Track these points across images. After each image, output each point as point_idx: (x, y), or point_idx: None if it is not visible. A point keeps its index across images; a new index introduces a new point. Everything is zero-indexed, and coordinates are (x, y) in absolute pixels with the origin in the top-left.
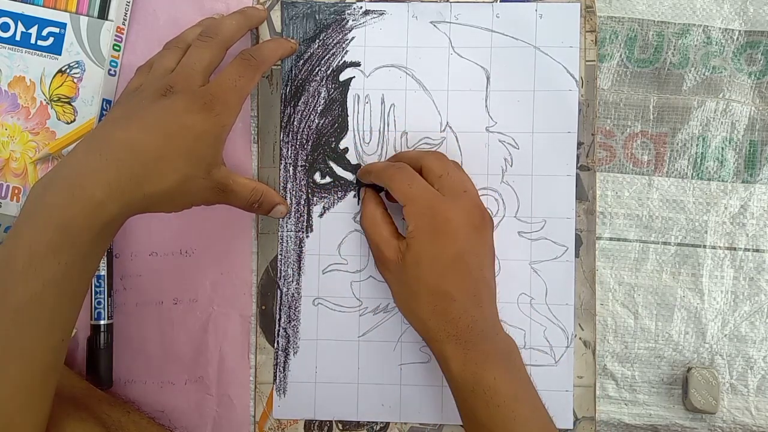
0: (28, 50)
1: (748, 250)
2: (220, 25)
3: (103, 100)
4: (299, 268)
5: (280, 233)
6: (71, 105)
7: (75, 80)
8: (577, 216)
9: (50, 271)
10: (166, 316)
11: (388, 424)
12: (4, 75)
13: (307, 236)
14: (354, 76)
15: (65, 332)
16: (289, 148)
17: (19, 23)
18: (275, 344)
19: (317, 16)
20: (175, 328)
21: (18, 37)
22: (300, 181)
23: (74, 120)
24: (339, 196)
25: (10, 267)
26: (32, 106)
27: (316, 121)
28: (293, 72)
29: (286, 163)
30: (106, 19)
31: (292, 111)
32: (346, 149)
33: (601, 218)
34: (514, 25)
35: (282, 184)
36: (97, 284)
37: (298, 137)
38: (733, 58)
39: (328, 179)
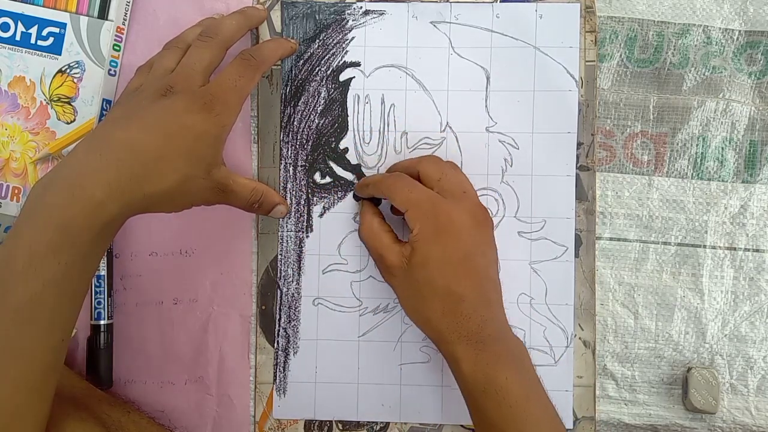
0: (28, 50)
1: (748, 250)
2: (220, 25)
3: (103, 100)
4: (299, 268)
5: (280, 233)
6: (71, 105)
7: (75, 80)
8: (577, 216)
9: (50, 271)
10: (166, 316)
11: (388, 424)
12: (4, 75)
13: (307, 236)
14: (354, 76)
15: (65, 332)
16: (289, 148)
17: (19, 23)
18: (275, 344)
19: (317, 16)
20: (175, 328)
21: (18, 37)
22: (300, 181)
23: (74, 120)
24: (339, 196)
25: (10, 267)
26: (32, 106)
27: (316, 121)
28: (293, 72)
29: (286, 163)
30: (106, 19)
31: (292, 111)
32: (346, 149)
33: (601, 218)
34: (514, 25)
35: (282, 184)
36: (97, 284)
37: (298, 137)
38: (733, 58)
39: (328, 179)
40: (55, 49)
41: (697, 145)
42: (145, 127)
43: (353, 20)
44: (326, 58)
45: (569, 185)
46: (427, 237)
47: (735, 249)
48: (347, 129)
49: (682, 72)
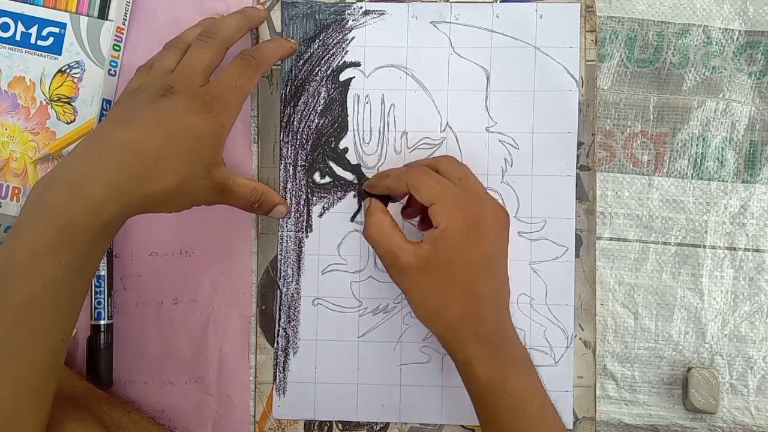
0: (28, 50)
1: (748, 250)
2: (220, 25)
3: (103, 100)
4: (299, 268)
5: (280, 233)
6: (71, 105)
7: (75, 80)
8: (577, 216)
9: (50, 271)
10: (166, 316)
11: (388, 424)
12: (4, 75)
13: (307, 236)
14: (354, 76)
15: (65, 332)
16: (289, 148)
17: (19, 23)
18: (275, 344)
19: (317, 16)
20: (175, 328)
21: (18, 37)
22: (300, 181)
23: (74, 120)
24: (339, 196)
25: (10, 267)
26: (32, 106)
27: (316, 121)
28: (293, 72)
29: (286, 163)
30: (106, 19)
31: (292, 111)
32: (346, 149)
33: (601, 218)
34: (514, 25)
35: (282, 184)
36: (97, 284)
37: (298, 137)
38: (733, 58)
39: (327, 179)
40: (55, 49)
41: (697, 145)
42: (145, 127)
43: (353, 20)
44: (326, 58)
45: (569, 185)
46: (455, 234)
47: (735, 249)
48: (347, 129)
49: (682, 72)
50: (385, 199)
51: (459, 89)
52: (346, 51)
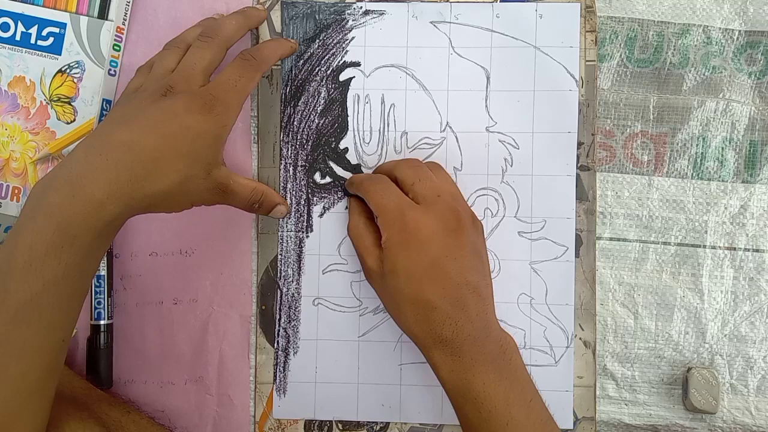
0: (28, 50)
1: (748, 250)
2: (220, 26)
3: (103, 100)
4: (299, 268)
5: (280, 233)
6: (71, 105)
7: (75, 80)
8: (577, 216)
9: (50, 271)
10: (166, 316)
11: (388, 424)
12: (4, 75)
13: (307, 236)
14: (354, 76)
15: (65, 332)
16: (289, 148)
17: (19, 23)
18: (275, 344)
19: (317, 16)
20: (175, 328)
21: (18, 37)
22: (300, 181)
23: (74, 120)
24: (339, 196)
25: (10, 267)
26: (32, 106)
27: (316, 121)
28: (293, 72)
29: (286, 163)
30: (106, 19)
31: (292, 111)
32: (346, 149)
33: (601, 218)
34: (514, 25)
35: (282, 184)
36: (97, 284)
37: (298, 137)
38: (733, 58)
39: (328, 179)
40: (55, 49)
41: (697, 145)
42: (145, 128)
43: (353, 20)
44: (326, 58)
45: (569, 185)
46: (394, 245)
47: (735, 249)
48: (347, 129)
49: (682, 72)
50: None
51: (459, 89)
52: (346, 51)
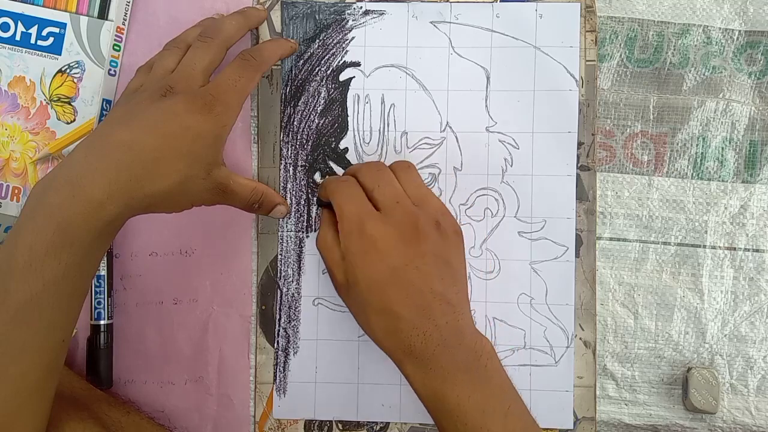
0: (28, 50)
1: (748, 250)
2: (220, 26)
3: (103, 100)
4: (299, 268)
5: (280, 233)
6: (71, 105)
7: (75, 80)
8: (577, 216)
9: (50, 271)
10: (166, 316)
11: (388, 424)
12: (4, 75)
13: (307, 236)
14: (354, 76)
15: (65, 332)
16: (289, 148)
17: (19, 23)
18: (275, 344)
19: (317, 16)
20: (175, 328)
21: (18, 37)
22: (300, 181)
23: (74, 120)
24: None
25: (10, 267)
26: (32, 106)
27: (316, 121)
28: (293, 72)
29: (286, 163)
30: (106, 19)
31: (292, 111)
32: (346, 149)
33: (601, 218)
34: (514, 25)
35: (282, 184)
36: (97, 284)
37: (298, 137)
38: (733, 58)
39: None
40: (55, 49)
41: (697, 145)
42: (145, 128)
43: (353, 20)
44: (326, 58)
45: (570, 185)
46: (352, 256)
47: (735, 249)
48: (347, 129)
49: (682, 72)
50: None
51: (459, 89)
52: (346, 51)
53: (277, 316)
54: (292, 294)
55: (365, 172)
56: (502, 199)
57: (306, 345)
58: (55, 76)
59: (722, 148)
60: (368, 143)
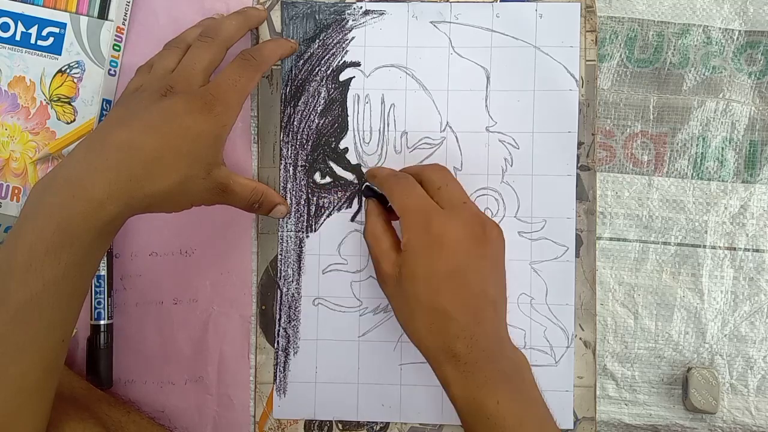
0: (28, 50)
1: (748, 250)
2: (220, 26)
3: (103, 100)
4: (299, 268)
5: (280, 233)
6: (71, 105)
7: (75, 80)
8: (577, 216)
9: (50, 271)
10: (166, 316)
11: (388, 424)
12: (4, 75)
13: (307, 236)
14: (354, 76)
15: (65, 332)
16: (289, 148)
17: (19, 23)
18: (275, 344)
19: (317, 16)
20: (175, 328)
21: (18, 37)
22: (300, 181)
23: (74, 120)
24: (339, 196)
25: (10, 267)
26: (32, 106)
27: (316, 121)
28: (293, 72)
29: (286, 163)
30: (106, 19)
31: (292, 111)
32: (346, 149)
33: (601, 218)
34: (514, 24)
35: (282, 184)
36: (97, 284)
37: (298, 137)
38: (733, 58)
39: (328, 179)
40: (55, 49)
41: (697, 145)
42: (145, 128)
43: (353, 20)
44: (326, 58)
45: (570, 185)
46: (416, 249)
47: (735, 249)
48: (347, 129)
49: (682, 72)
50: (385, 200)
51: (459, 89)
52: (346, 51)
53: (277, 316)
54: (292, 294)
55: (432, 171)
56: (502, 199)
57: (306, 345)
58: (55, 76)
59: (722, 148)
60: (368, 143)
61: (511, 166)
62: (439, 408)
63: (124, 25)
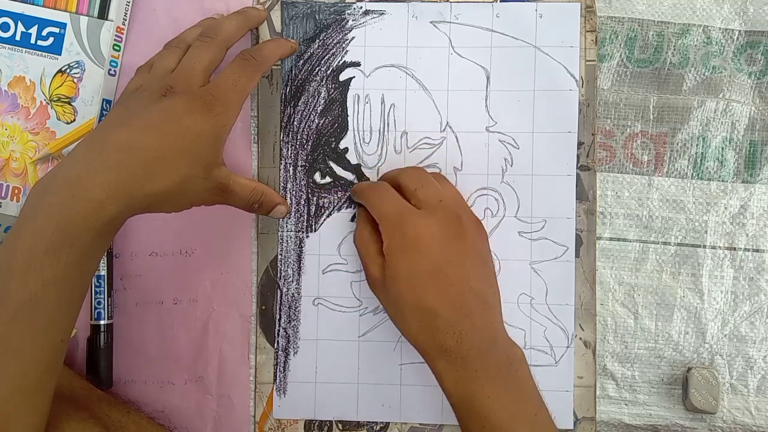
0: (28, 50)
1: (748, 250)
2: (220, 26)
3: (103, 100)
4: (299, 268)
5: (280, 233)
6: (71, 105)
7: (75, 80)
8: (577, 216)
9: (50, 271)
10: (166, 316)
11: (388, 424)
12: (4, 75)
13: (307, 236)
14: (354, 76)
15: (65, 332)
16: (289, 148)
17: (19, 23)
18: (275, 344)
19: (317, 16)
20: (175, 328)
21: (18, 37)
22: (300, 181)
23: (74, 120)
24: (339, 196)
25: (10, 267)
26: (32, 106)
27: (316, 121)
28: (293, 72)
29: (286, 163)
30: (106, 19)
31: (292, 111)
32: (346, 149)
33: (601, 218)
34: (514, 24)
35: (282, 184)
36: (97, 284)
37: (298, 137)
38: (733, 58)
39: (328, 179)
40: (55, 49)
41: (697, 145)
42: (145, 128)
43: (353, 20)
44: (326, 58)
45: (570, 185)
46: (395, 251)
47: (735, 249)
48: (347, 129)
49: (682, 72)
50: None
51: (459, 89)
52: (346, 51)
53: (277, 316)
54: (292, 294)
55: (407, 174)
56: (502, 199)
57: (306, 345)
58: (55, 76)
59: (722, 148)
60: (368, 143)
61: (511, 166)
62: (439, 408)
63: (124, 25)
